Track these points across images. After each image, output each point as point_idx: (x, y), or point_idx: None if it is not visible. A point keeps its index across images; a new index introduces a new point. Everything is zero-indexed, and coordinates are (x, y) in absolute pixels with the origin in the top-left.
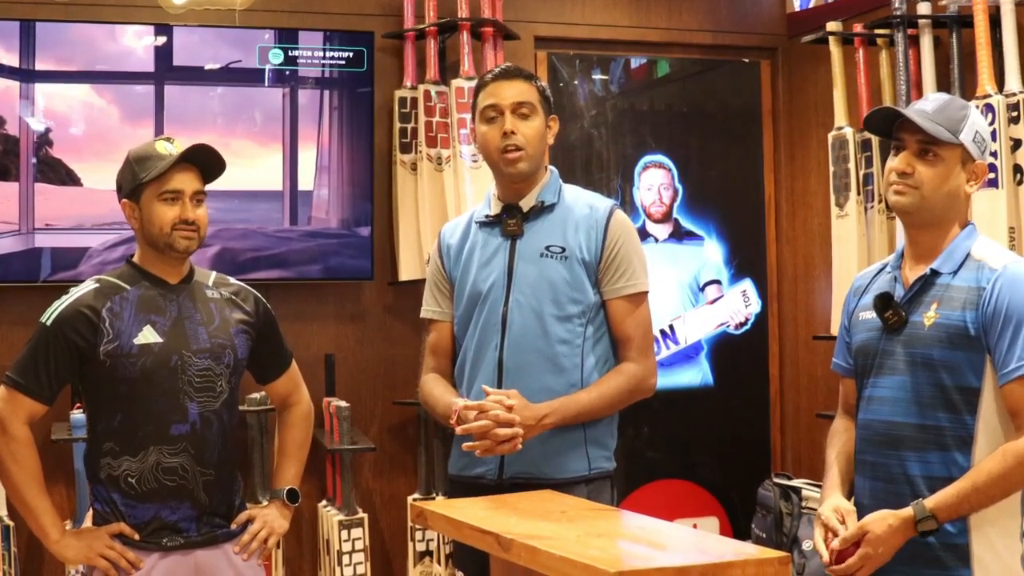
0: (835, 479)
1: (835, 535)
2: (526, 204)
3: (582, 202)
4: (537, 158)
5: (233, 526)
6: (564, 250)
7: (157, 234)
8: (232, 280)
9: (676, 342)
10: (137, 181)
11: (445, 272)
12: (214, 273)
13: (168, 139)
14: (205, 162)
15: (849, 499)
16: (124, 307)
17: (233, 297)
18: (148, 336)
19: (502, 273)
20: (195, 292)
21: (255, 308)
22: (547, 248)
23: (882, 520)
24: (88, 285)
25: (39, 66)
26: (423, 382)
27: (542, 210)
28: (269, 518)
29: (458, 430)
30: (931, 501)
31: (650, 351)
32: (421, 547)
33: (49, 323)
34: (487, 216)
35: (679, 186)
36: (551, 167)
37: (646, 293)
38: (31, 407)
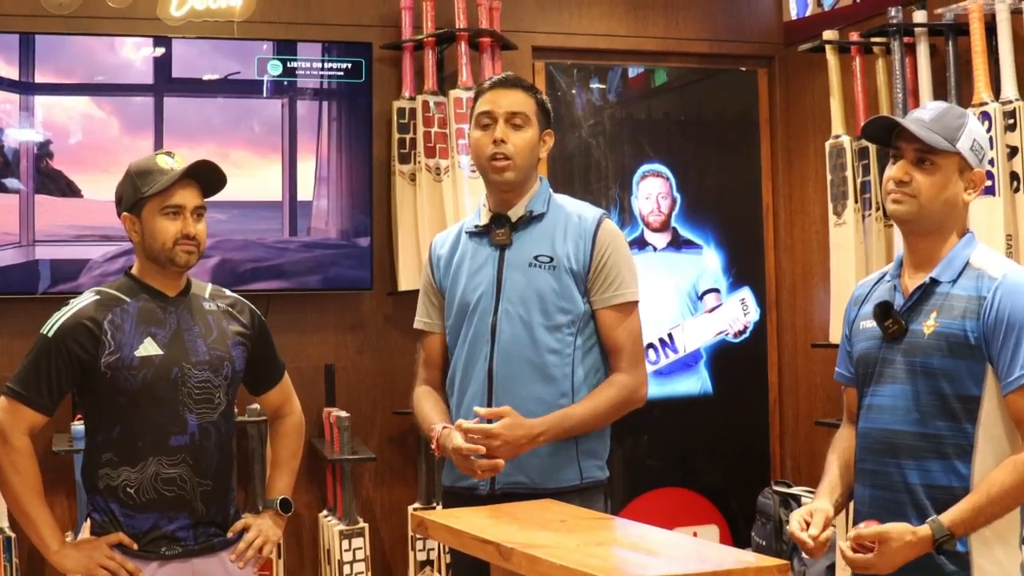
0: (827, 483)
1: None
2: (515, 214)
3: (571, 211)
4: (525, 169)
5: (229, 534)
6: (552, 260)
7: (159, 248)
8: (227, 292)
9: (675, 350)
10: (139, 195)
11: (435, 283)
12: (210, 285)
13: (169, 153)
14: (207, 177)
15: (846, 505)
16: (125, 319)
17: (230, 309)
18: (149, 348)
19: (491, 283)
20: (193, 304)
21: (251, 320)
22: (535, 258)
23: (901, 535)
24: (88, 297)
25: (39, 78)
26: (414, 395)
27: (531, 220)
28: (264, 527)
29: (437, 453)
30: (947, 518)
31: (641, 361)
32: (422, 556)
33: (51, 334)
34: (477, 226)
35: (677, 195)
36: (542, 177)
37: (636, 303)
38: (32, 418)
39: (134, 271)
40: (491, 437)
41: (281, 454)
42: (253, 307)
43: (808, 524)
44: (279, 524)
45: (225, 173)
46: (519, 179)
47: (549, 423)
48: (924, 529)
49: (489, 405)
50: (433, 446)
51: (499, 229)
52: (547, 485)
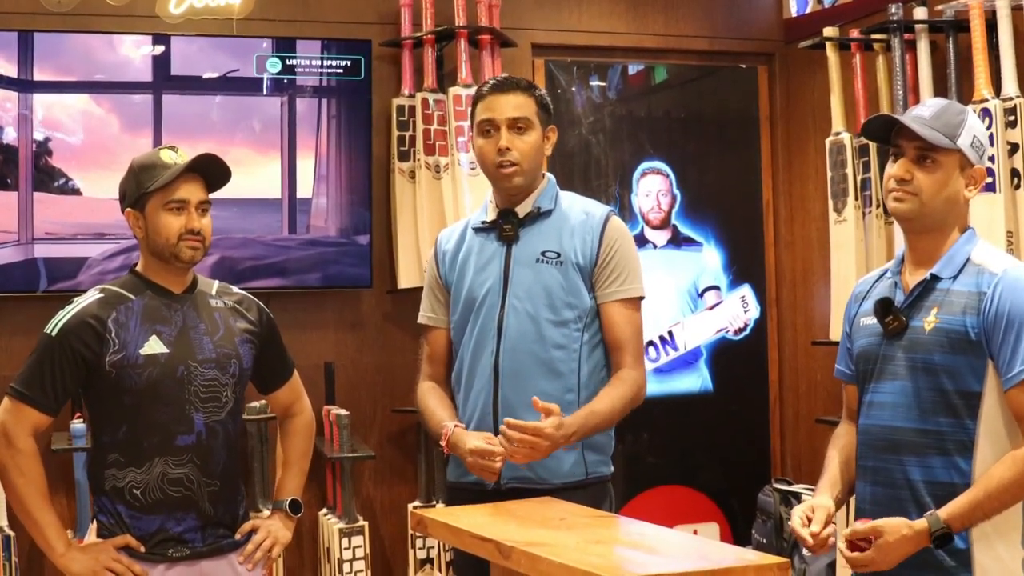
0: (828, 479)
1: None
2: (522, 210)
3: (578, 208)
4: (533, 172)
5: (237, 536)
6: (559, 255)
7: (163, 244)
8: (235, 289)
9: (675, 348)
10: (142, 190)
11: (441, 278)
12: (217, 282)
13: (172, 147)
14: (210, 171)
15: (846, 501)
16: (129, 317)
17: (237, 306)
18: (154, 346)
19: (498, 278)
20: (199, 302)
21: (258, 317)
22: (543, 253)
23: (896, 529)
24: (92, 295)
25: (37, 76)
26: (419, 391)
27: (538, 216)
28: (272, 528)
29: (447, 451)
30: (944, 512)
31: (643, 358)
32: (422, 555)
33: (54, 333)
34: (483, 222)
35: (677, 192)
36: (548, 174)
37: (641, 299)
38: (37, 419)
39: (139, 268)
40: (540, 436)
41: (291, 454)
42: (261, 304)
43: (810, 520)
44: (288, 526)
45: (229, 167)
46: (527, 182)
47: (579, 423)
48: (921, 522)
49: (495, 400)
50: (443, 443)
51: (506, 225)
52: (552, 481)
